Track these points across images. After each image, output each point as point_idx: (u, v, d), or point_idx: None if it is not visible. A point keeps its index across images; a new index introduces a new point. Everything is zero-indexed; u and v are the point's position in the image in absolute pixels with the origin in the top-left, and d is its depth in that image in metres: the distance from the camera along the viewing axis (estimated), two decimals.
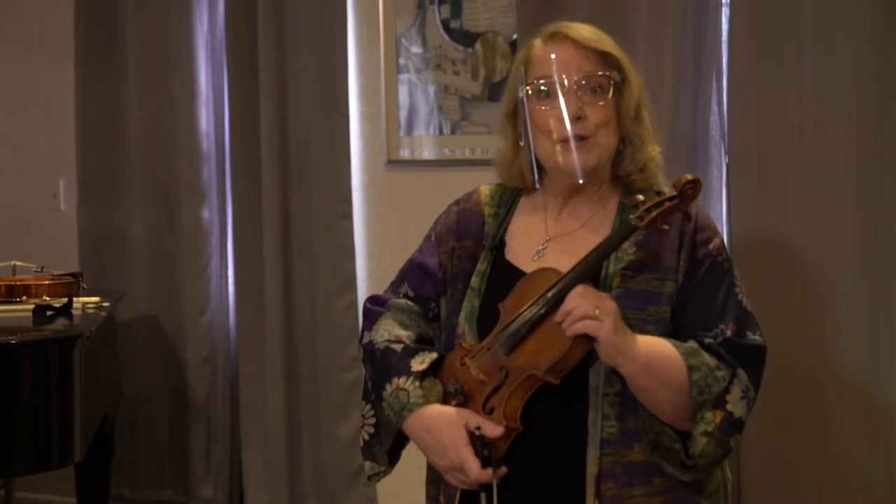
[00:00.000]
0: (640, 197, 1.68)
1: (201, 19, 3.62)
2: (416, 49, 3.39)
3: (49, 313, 2.87)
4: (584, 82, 1.73)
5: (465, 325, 1.77)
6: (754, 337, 1.71)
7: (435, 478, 1.80)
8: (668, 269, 1.71)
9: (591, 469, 1.66)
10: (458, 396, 1.70)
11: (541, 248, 1.80)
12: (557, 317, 1.61)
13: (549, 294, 1.64)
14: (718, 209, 2.97)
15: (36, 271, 3.11)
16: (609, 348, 1.59)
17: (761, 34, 2.84)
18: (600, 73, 1.74)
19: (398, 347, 1.79)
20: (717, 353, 1.66)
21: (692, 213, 1.72)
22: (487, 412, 1.67)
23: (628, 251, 1.71)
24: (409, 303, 1.88)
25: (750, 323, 1.72)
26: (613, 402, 1.67)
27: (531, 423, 1.66)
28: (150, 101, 3.66)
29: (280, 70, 3.47)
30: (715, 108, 2.95)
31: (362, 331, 1.90)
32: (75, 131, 3.72)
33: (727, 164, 2.97)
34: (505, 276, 1.77)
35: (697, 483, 1.71)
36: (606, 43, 1.77)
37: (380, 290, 1.97)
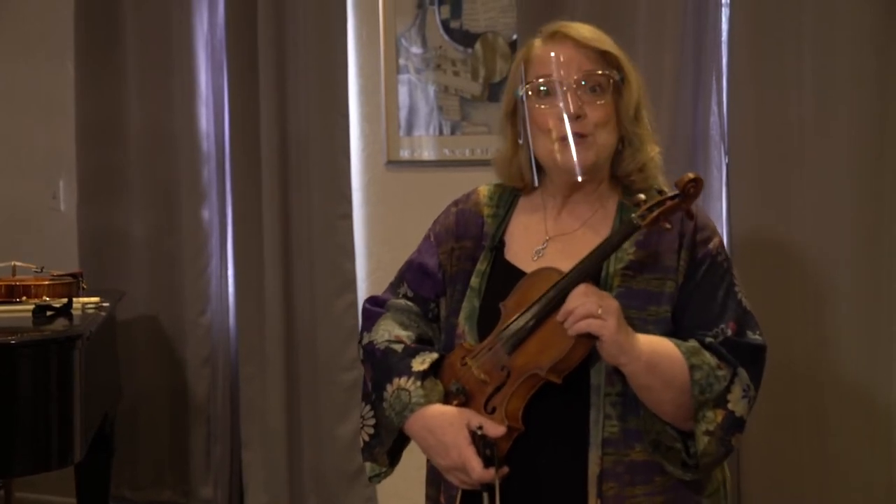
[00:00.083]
0: (642, 196, 1.68)
1: (201, 19, 3.62)
2: (416, 49, 3.39)
3: (49, 313, 2.87)
4: (583, 81, 1.73)
5: (465, 325, 1.77)
6: (754, 336, 1.72)
7: (435, 478, 1.80)
8: (669, 268, 1.72)
9: (593, 469, 1.66)
10: (460, 396, 1.70)
11: (540, 247, 1.80)
12: (560, 316, 1.61)
13: (551, 293, 1.64)
14: (718, 209, 2.97)
15: (36, 272, 3.11)
16: (612, 347, 1.59)
17: (761, 34, 2.84)
18: (600, 72, 1.74)
19: (398, 348, 1.79)
20: (717, 353, 1.67)
21: (694, 212, 1.72)
22: (489, 412, 1.67)
23: (628, 251, 1.71)
24: (409, 303, 1.88)
25: (750, 322, 1.73)
26: (615, 402, 1.67)
27: (533, 423, 1.66)
28: (150, 101, 3.66)
29: (280, 70, 3.47)
30: (715, 108, 2.96)
31: (361, 331, 1.89)
32: (75, 131, 3.72)
33: (727, 164, 2.97)
34: (505, 276, 1.77)
35: (698, 482, 1.71)
36: (606, 42, 1.77)
37: (380, 291, 1.96)
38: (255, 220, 3.54)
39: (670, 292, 1.71)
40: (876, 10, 2.73)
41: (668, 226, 1.67)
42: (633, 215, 1.65)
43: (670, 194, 1.67)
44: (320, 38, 3.41)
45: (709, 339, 1.68)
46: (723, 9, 2.95)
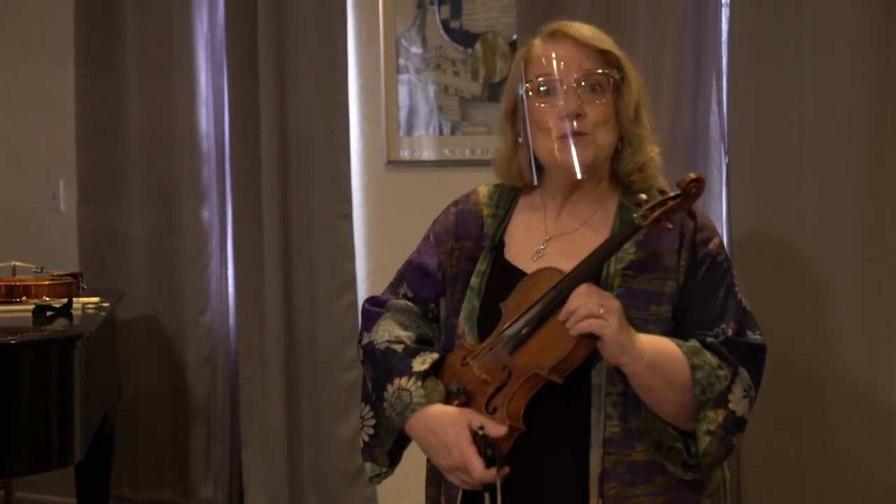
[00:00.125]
0: (643, 196, 1.68)
1: (201, 19, 3.62)
2: (416, 49, 3.39)
3: (49, 314, 2.87)
4: (583, 80, 1.73)
5: (465, 326, 1.77)
6: (754, 336, 1.72)
7: (435, 478, 1.80)
8: (669, 268, 1.72)
9: (595, 468, 1.66)
10: (461, 396, 1.70)
11: (541, 247, 1.80)
12: (561, 316, 1.61)
13: (553, 293, 1.64)
14: (718, 209, 2.97)
15: (36, 272, 3.12)
16: (614, 347, 1.59)
17: (761, 34, 2.84)
18: (600, 71, 1.74)
19: (399, 348, 1.79)
20: (718, 353, 1.67)
21: (696, 212, 1.72)
22: (490, 412, 1.66)
23: (628, 251, 1.71)
24: (409, 303, 1.88)
25: (750, 322, 1.73)
26: (616, 402, 1.67)
27: (534, 423, 1.66)
28: (150, 101, 3.66)
29: (280, 70, 3.47)
30: (715, 108, 2.96)
31: (361, 332, 1.89)
32: (75, 131, 3.72)
33: (727, 165, 2.97)
34: (505, 277, 1.77)
35: (699, 482, 1.71)
36: (606, 41, 1.77)
37: (380, 291, 1.96)
38: (255, 220, 3.54)
39: (671, 292, 1.71)
40: (876, 10, 2.73)
41: (669, 226, 1.67)
42: (634, 215, 1.65)
43: (672, 194, 1.67)
44: (320, 38, 3.41)
45: (710, 339, 1.68)
46: (723, 9, 2.94)
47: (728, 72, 2.93)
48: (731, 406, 1.65)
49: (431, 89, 3.38)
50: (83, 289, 3.11)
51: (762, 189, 2.87)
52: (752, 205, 2.89)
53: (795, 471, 2.86)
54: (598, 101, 1.73)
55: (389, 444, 1.80)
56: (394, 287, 1.92)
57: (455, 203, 1.92)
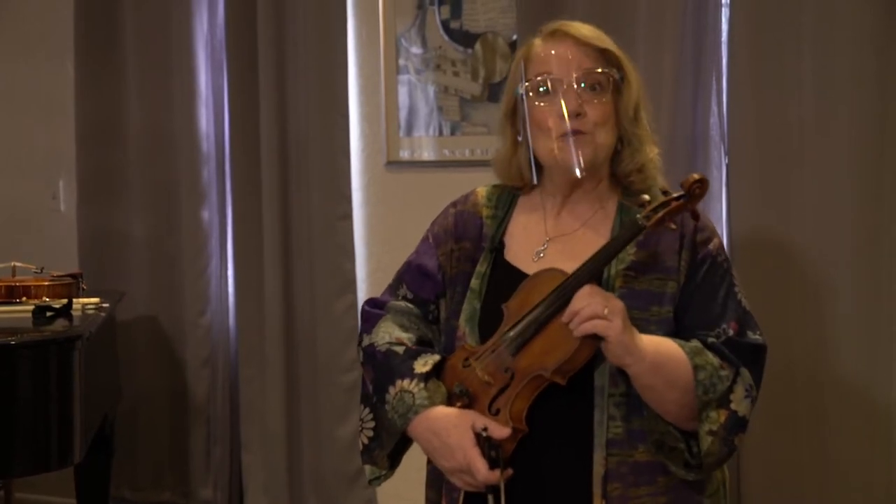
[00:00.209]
0: (646, 196, 1.68)
1: (201, 19, 3.62)
2: (416, 50, 3.39)
3: (49, 314, 2.87)
4: (583, 80, 1.73)
5: (465, 327, 1.76)
6: (755, 336, 1.72)
7: (436, 481, 1.80)
8: (670, 269, 1.72)
9: (598, 469, 1.66)
10: (463, 398, 1.70)
11: (541, 248, 1.80)
12: (565, 317, 1.61)
13: (556, 294, 1.64)
14: (718, 210, 2.96)
15: (36, 272, 3.12)
16: (618, 348, 1.59)
17: (761, 35, 2.84)
18: (600, 70, 1.74)
19: (400, 350, 1.78)
20: (720, 353, 1.67)
21: (700, 212, 1.72)
22: (493, 413, 1.66)
23: (629, 252, 1.71)
24: (409, 305, 1.87)
25: (750, 322, 1.73)
26: (619, 403, 1.67)
27: (537, 425, 1.66)
28: (150, 102, 3.66)
29: (280, 70, 3.47)
30: (715, 108, 2.95)
31: (361, 333, 1.88)
32: (75, 131, 3.72)
33: (727, 165, 2.96)
34: (505, 278, 1.77)
35: (700, 482, 1.71)
36: (606, 41, 1.77)
37: (380, 291, 1.95)
38: (255, 221, 3.54)
39: (672, 293, 1.71)
40: (876, 11, 2.73)
41: (673, 226, 1.67)
42: (638, 216, 1.65)
43: (675, 195, 1.66)
44: (320, 38, 3.41)
45: (711, 340, 1.68)
46: (723, 9, 2.94)
47: (728, 72, 2.93)
48: (732, 406, 1.65)
49: (431, 90, 3.38)
50: (83, 289, 3.12)
51: (762, 189, 2.87)
52: (752, 205, 2.88)
53: (795, 471, 2.86)
54: (597, 101, 1.73)
55: (391, 447, 1.80)
56: (393, 289, 1.91)
57: (454, 204, 1.92)
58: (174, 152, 3.65)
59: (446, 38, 3.35)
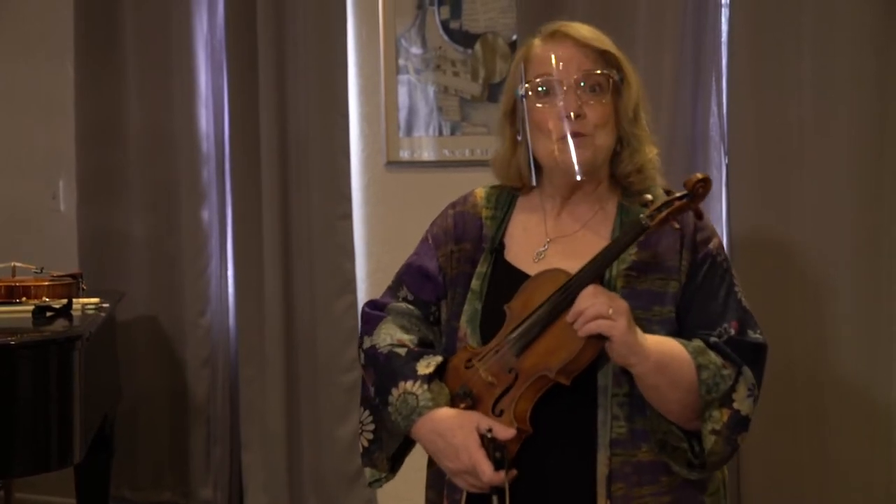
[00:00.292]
0: (649, 196, 1.68)
1: (201, 19, 3.62)
2: (416, 50, 3.39)
3: (49, 314, 2.87)
4: (583, 81, 1.73)
5: (467, 328, 1.76)
6: (755, 335, 1.72)
7: (436, 483, 1.80)
8: (671, 268, 1.72)
9: (602, 469, 1.66)
10: (467, 399, 1.69)
11: (541, 249, 1.80)
12: (569, 317, 1.61)
13: (559, 295, 1.64)
14: (718, 210, 2.96)
15: (36, 272, 3.12)
16: (622, 347, 1.59)
17: (761, 35, 2.84)
18: (599, 71, 1.74)
19: (402, 351, 1.78)
20: (722, 352, 1.67)
21: (702, 211, 1.72)
22: (497, 415, 1.66)
23: (630, 252, 1.71)
24: (410, 306, 1.87)
25: (750, 321, 1.73)
26: (622, 403, 1.67)
27: (540, 425, 1.66)
28: (149, 102, 3.66)
29: (280, 70, 3.47)
30: (714, 108, 2.95)
31: (362, 336, 1.87)
32: (75, 131, 3.72)
33: (727, 165, 2.96)
34: (506, 278, 1.77)
35: (702, 482, 1.72)
36: (606, 42, 1.77)
37: (380, 291, 1.95)
38: (255, 221, 3.54)
39: (674, 292, 1.71)
40: (876, 11, 2.73)
41: (676, 226, 1.67)
42: (641, 216, 1.65)
43: (678, 195, 1.67)
44: (320, 38, 3.41)
45: (713, 339, 1.69)
46: (722, 9, 2.94)
47: (728, 72, 2.93)
48: (735, 405, 1.66)
49: (431, 90, 3.38)
50: (83, 289, 3.11)
51: (762, 190, 2.87)
52: (752, 205, 2.88)
53: (795, 471, 2.86)
54: (597, 102, 1.73)
55: (393, 448, 1.80)
56: (393, 290, 1.91)
57: (453, 205, 1.91)
58: (174, 152, 3.65)
59: (446, 38, 3.35)
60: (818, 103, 2.80)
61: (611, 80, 1.75)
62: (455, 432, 1.66)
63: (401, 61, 3.40)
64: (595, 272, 1.64)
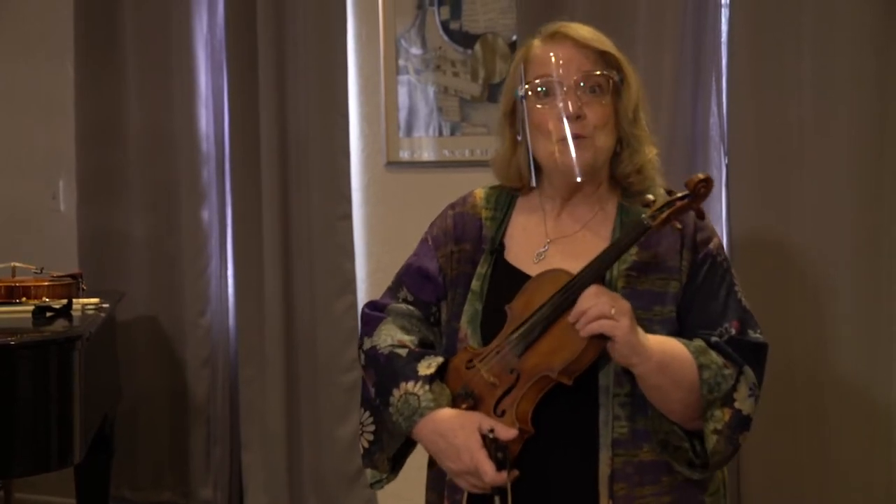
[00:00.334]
0: (651, 196, 1.68)
1: (201, 20, 3.62)
2: (416, 50, 3.38)
3: (49, 314, 2.87)
4: (582, 82, 1.73)
5: (467, 329, 1.76)
6: (755, 335, 1.73)
7: (437, 484, 1.79)
8: (672, 269, 1.72)
9: (604, 469, 1.66)
10: (469, 400, 1.70)
11: (542, 250, 1.80)
12: (572, 317, 1.61)
13: (562, 295, 1.64)
14: (718, 210, 2.96)
15: (35, 272, 3.12)
16: (624, 348, 1.59)
17: (761, 35, 2.84)
18: (599, 72, 1.74)
19: (403, 352, 1.78)
20: (723, 352, 1.67)
21: (705, 211, 1.72)
22: (498, 415, 1.66)
23: (631, 252, 1.71)
24: (410, 307, 1.86)
25: (750, 321, 1.74)
26: (624, 403, 1.67)
27: (542, 426, 1.66)
28: (149, 102, 3.66)
29: (280, 70, 3.47)
30: (714, 108, 2.95)
31: (362, 336, 1.87)
32: (75, 131, 3.72)
33: (727, 165, 2.96)
34: (507, 279, 1.77)
35: (702, 481, 1.72)
36: (606, 43, 1.77)
37: (380, 291, 1.95)
38: (255, 221, 3.54)
39: (674, 292, 1.71)
40: (876, 11, 2.73)
41: (679, 226, 1.67)
42: (643, 216, 1.65)
43: (680, 195, 1.67)
44: (320, 38, 3.41)
45: (714, 339, 1.69)
46: (722, 9, 2.94)
47: (727, 72, 2.93)
48: (736, 405, 1.66)
49: (431, 90, 3.38)
50: (83, 290, 3.12)
51: (762, 190, 2.87)
52: (752, 206, 2.88)
53: (795, 471, 2.86)
54: (597, 103, 1.73)
55: (394, 449, 1.80)
56: (393, 291, 1.90)
57: (452, 206, 1.91)
58: (174, 152, 3.65)
59: (446, 38, 3.35)
60: (818, 103, 2.79)
61: (611, 81, 1.75)
62: (457, 433, 1.66)
63: (401, 61, 3.40)
64: (597, 272, 1.64)
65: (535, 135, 1.76)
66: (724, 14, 2.94)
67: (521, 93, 1.77)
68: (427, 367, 1.74)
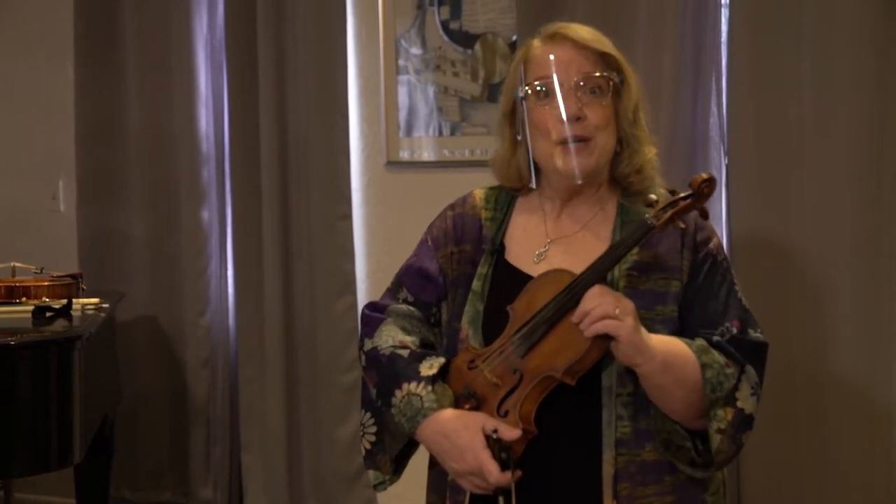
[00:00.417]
0: (654, 196, 1.68)
1: (201, 20, 3.62)
2: (416, 50, 3.38)
3: (48, 315, 2.87)
4: (583, 83, 1.73)
5: (468, 329, 1.76)
6: (756, 334, 1.73)
7: (438, 485, 1.79)
8: (673, 268, 1.72)
9: (608, 469, 1.66)
10: (471, 400, 1.70)
11: (542, 250, 1.80)
12: (575, 317, 1.61)
13: (565, 295, 1.64)
14: (718, 210, 2.96)
15: (35, 272, 3.12)
16: (629, 347, 1.59)
17: (761, 35, 2.84)
18: (599, 73, 1.74)
19: (404, 353, 1.78)
20: (725, 351, 1.68)
21: (708, 211, 1.72)
22: (502, 415, 1.66)
23: (632, 252, 1.71)
24: (410, 308, 1.86)
25: (750, 321, 1.74)
26: (626, 403, 1.68)
27: (545, 426, 1.66)
28: (149, 102, 3.66)
29: (280, 70, 3.47)
30: (714, 109, 2.95)
31: (362, 337, 1.87)
32: (75, 132, 3.72)
33: (726, 166, 2.96)
34: (507, 279, 1.77)
35: (704, 481, 1.72)
36: (605, 44, 1.77)
37: (380, 292, 1.95)
38: (255, 221, 3.54)
39: (676, 292, 1.72)
40: (876, 11, 2.73)
41: (682, 225, 1.67)
42: (646, 216, 1.66)
43: (683, 194, 1.67)
44: (320, 38, 3.41)
45: (716, 338, 1.69)
46: (722, 10, 2.94)
47: (727, 73, 2.92)
48: (739, 404, 1.66)
49: (431, 90, 3.38)
50: (83, 290, 3.11)
51: (762, 190, 2.87)
52: (752, 206, 2.88)
53: (795, 471, 2.86)
54: (597, 104, 1.73)
55: (397, 450, 1.80)
56: (393, 292, 1.90)
57: (451, 207, 1.91)
58: (174, 152, 3.65)
59: (446, 38, 3.35)
60: (818, 103, 2.79)
61: (611, 83, 1.75)
62: (460, 433, 1.66)
63: (401, 61, 3.40)
64: (600, 273, 1.65)
65: (535, 136, 1.76)
66: (724, 14, 2.94)
67: (520, 93, 1.77)
68: (429, 367, 1.74)
